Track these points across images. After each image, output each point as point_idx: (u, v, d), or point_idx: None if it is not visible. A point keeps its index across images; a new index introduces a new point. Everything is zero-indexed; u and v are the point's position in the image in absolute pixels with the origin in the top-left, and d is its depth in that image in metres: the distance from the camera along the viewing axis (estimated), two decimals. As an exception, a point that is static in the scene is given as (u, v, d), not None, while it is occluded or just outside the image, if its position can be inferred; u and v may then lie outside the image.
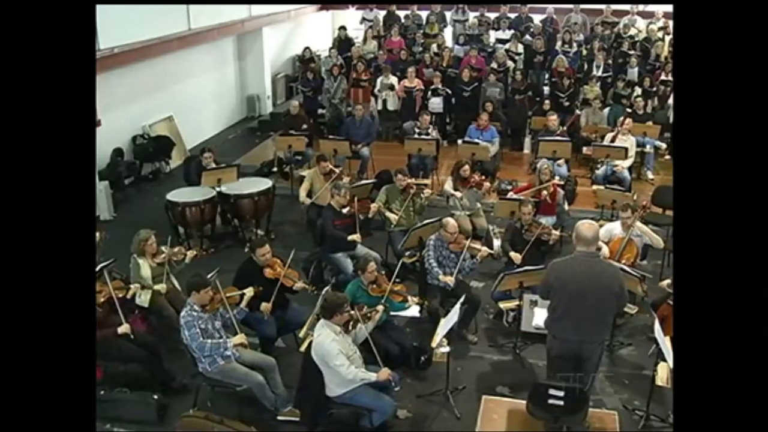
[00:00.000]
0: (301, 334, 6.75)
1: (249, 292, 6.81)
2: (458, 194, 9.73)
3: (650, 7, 17.61)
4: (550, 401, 5.63)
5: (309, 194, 10.09)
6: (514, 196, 9.58)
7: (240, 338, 6.48)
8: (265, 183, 10.50)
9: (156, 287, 7.39)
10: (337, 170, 10.23)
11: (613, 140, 12.01)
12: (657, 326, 6.45)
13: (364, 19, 18.33)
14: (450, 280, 7.68)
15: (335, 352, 5.80)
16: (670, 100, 13.70)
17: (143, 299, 7.33)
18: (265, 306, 6.95)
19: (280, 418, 6.46)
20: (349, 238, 8.50)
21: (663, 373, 6.17)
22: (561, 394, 5.60)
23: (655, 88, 14.35)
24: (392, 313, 7.27)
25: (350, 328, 6.21)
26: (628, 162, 11.85)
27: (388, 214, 9.27)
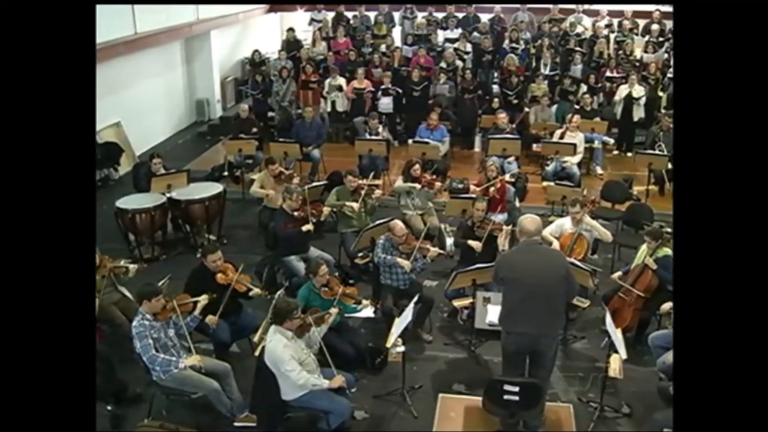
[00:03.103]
0: (256, 338, 6.71)
1: (203, 299, 6.72)
2: (417, 186, 9.76)
3: (595, 6, 17.81)
4: (506, 397, 5.66)
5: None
6: (468, 195, 9.65)
7: (194, 359, 6.28)
8: (216, 187, 10.41)
9: None
10: (287, 172, 10.19)
11: (561, 137, 12.16)
12: (608, 319, 6.56)
13: (312, 21, 18.25)
14: (407, 264, 7.69)
15: (287, 357, 5.78)
16: (616, 97, 13.91)
17: None
18: (211, 318, 6.85)
19: (236, 424, 6.40)
20: (304, 228, 8.48)
21: (615, 365, 6.25)
22: (516, 389, 5.64)
23: (600, 85, 14.54)
24: (346, 315, 7.28)
25: (303, 332, 6.19)
26: (577, 158, 12.03)
27: (347, 203, 9.26)
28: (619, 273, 7.86)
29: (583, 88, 14.28)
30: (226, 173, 12.51)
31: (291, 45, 16.80)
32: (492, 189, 9.55)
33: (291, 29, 17.44)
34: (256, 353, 6.38)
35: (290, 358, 5.80)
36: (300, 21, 19.41)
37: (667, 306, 7.06)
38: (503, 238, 8.00)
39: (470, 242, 8.26)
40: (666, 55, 15.53)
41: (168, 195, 9.91)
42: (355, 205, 9.19)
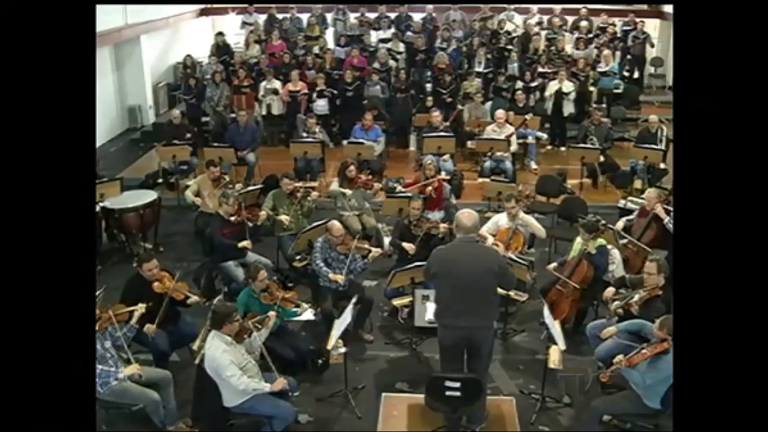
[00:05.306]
0: (195, 346, 6.65)
1: (140, 308, 6.57)
2: (348, 191, 9.76)
3: (525, 4, 17.99)
4: (447, 393, 5.70)
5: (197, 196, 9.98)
6: (403, 193, 9.70)
7: (133, 368, 6.15)
8: (150, 195, 10.28)
9: None
10: (226, 177, 10.10)
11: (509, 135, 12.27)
12: (546, 311, 6.67)
13: (244, 24, 18.08)
14: (340, 278, 7.71)
15: (226, 363, 5.73)
16: (547, 93, 14.14)
17: None
18: (149, 327, 6.72)
19: None
20: (240, 245, 8.42)
21: (554, 356, 6.36)
22: (457, 385, 5.68)
23: (535, 83, 14.66)
24: (286, 319, 7.24)
25: (243, 337, 6.15)
26: (512, 148, 12.16)
27: (278, 217, 9.22)
28: (554, 265, 7.97)
29: (518, 84, 14.41)
30: (160, 180, 12.32)
31: (221, 49, 16.62)
32: (429, 189, 9.60)
33: (220, 33, 17.21)
34: (196, 361, 6.30)
35: (230, 363, 5.74)
36: (232, 24, 19.20)
37: (610, 292, 7.17)
38: None
39: (404, 244, 8.32)
40: (596, 51, 15.80)
41: (101, 204, 9.72)
42: (285, 218, 9.17)
